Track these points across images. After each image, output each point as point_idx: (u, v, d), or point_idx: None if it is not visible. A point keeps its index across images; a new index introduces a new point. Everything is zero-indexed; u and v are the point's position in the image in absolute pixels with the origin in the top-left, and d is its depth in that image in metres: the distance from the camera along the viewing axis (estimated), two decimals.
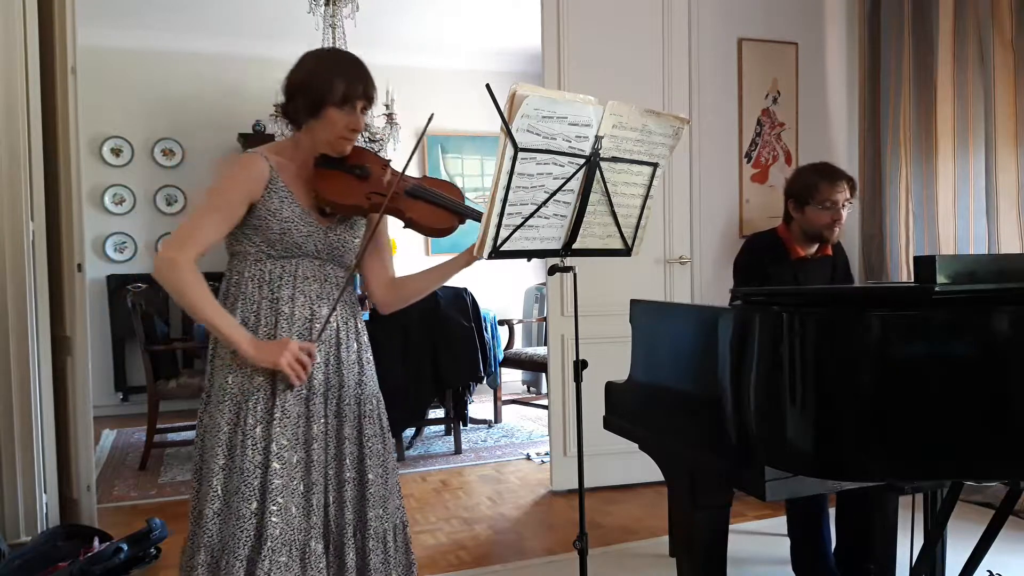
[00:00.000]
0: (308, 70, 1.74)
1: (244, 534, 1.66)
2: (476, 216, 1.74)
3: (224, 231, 1.72)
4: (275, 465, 1.68)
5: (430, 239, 6.47)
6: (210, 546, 1.68)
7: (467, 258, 1.78)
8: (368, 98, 1.74)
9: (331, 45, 4.84)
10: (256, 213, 1.72)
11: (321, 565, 1.71)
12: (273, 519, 1.66)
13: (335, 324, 1.81)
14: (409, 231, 1.85)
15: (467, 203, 1.87)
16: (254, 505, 1.67)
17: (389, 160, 1.88)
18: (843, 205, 2.50)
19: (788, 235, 2.61)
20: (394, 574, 1.83)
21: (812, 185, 2.51)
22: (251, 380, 1.71)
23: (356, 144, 1.81)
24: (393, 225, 1.93)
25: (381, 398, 1.91)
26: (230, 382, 1.72)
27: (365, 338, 1.90)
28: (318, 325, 1.76)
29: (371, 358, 1.90)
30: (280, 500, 1.68)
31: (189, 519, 1.77)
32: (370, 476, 1.81)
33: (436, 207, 1.81)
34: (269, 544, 1.65)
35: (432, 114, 1.89)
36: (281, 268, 1.75)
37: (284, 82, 1.77)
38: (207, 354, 1.81)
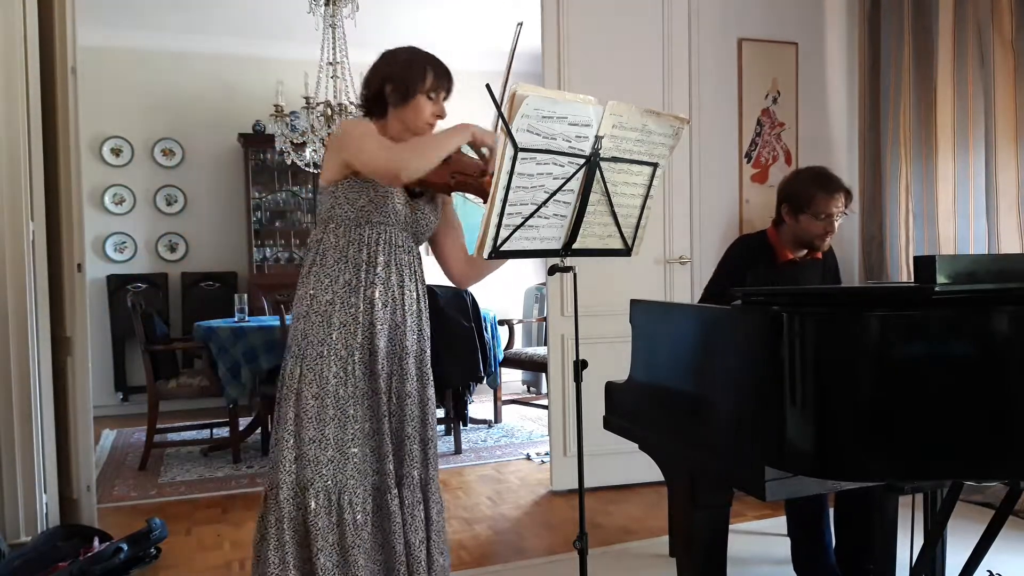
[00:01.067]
0: (401, 62, 1.93)
1: (359, 475, 1.89)
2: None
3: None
4: (370, 414, 1.92)
5: None
6: (327, 489, 1.86)
7: None
8: (450, 90, 1.98)
9: (331, 45, 4.85)
10: (363, 176, 1.88)
11: (417, 511, 1.95)
12: (374, 463, 1.91)
13: (416, 297, 2.00)
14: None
15: None
16: (358, 450, 1.89)
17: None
18: (837, 216, 2.49)
19: (777, 238, 2.59)
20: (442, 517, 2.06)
21: (809, 195, 2.48)
22: (354, 337, 1.89)
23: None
24: None
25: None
26: (334, 338, 1.88)
27: (427, 313, 2.08)
28: (407, 292, 1.97)
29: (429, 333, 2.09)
30: (364, 446, 1.90)
31: (282, 466, 1.87)
32: (430, 434, 2.02)
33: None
34: (366, 483, 1.90)
35: (521, 23, 2.01)
36: (378, 234, 1.92)
37: (369, 74, 1.97)
38: (297, 308, 1.92)
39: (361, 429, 1.89)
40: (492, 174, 1.81)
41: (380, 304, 1.91)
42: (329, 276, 1.90)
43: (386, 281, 1.92)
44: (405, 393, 1.96)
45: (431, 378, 2.06)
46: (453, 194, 2.04)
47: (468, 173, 1.89)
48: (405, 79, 1.91)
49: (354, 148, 1.82)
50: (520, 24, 2.02)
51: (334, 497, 1.86)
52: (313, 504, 1.84)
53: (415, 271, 2.00)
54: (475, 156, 1.93)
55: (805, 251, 2.60)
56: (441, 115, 1.97)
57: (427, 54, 1.97)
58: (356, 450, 1.88)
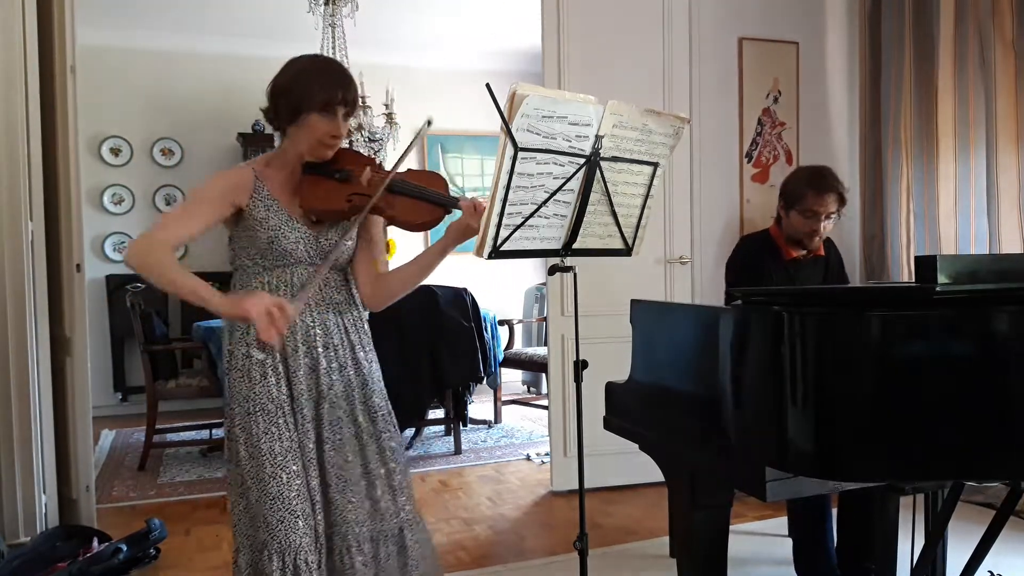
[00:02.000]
0: (289, 76, 1.74)
1: (311, 532, 1.75)
2: (456, 204, 1.75)
3: (196, 226, 1.71)
4: (308, 467, 1.77)
5: (429, 235, 6.47)
6: (280, 552, 1.73)
7: (442, 246, 1.78)
8: (349, 104, 1.74)
9: (331, 45, 4.84)
10: (245, 223, 1.76)
11: (356, 559, 1.79)
12: (318, 516, 1.77)
13: (342, 325, 1.84)
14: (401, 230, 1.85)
15: (453, 192, 1.86)
16: (308, 506, 1.75)
17: (374, 158, 1.88)
18: (826, 217, 2.49)
19: (780, 235, 2.61)
20: (422, 564, 1.88)
21: (800, 192, 2.51)
22: (277, 388, 1.76)
23: (343, 147, 1.82)
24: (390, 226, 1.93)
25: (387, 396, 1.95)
26: (257, 392, 1.76)
27: (369, 337, 1.94)
28: (319, 331, 1.79)
29: (375, 357, 1.94)
30: (318, 498, 1.77)
31: (236, 529, 1.79)
32: (399, 468, 1.87)
33: (418, 200, 1.77)
34: (320, 540, 1.77)
35: (430, 119, 1.87)
36: (277, 278, 1.78)
37: (268, 87, 1.78)
38: (221, 364, 1.85)
39: (304, 484, 1.74)
40: (373, 177, 1.74)
41: (291, 350, 1.76)
42: (240, 328, 1.77)
43: (292, 327, 1.73)
44: (323, 439, 1.80)
45: (382, 408, 1.88)
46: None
47: (366, 193, 1.74)
48: (291, 96, 1.72)
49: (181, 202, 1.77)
50: (430, 120, 1.89)
51: (288, 559, 1.72)
52: (267, 567, 1.71)
53: (336, 301, 1.84)
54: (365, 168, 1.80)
55: (805, 250, 2.60)
56: (337, 134, 1.74)
57: (325, 64, 1.78)
58: (304, 505, 1.73)
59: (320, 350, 1.80)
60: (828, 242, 2.70)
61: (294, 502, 1.72)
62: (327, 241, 1.80)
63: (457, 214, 1.75)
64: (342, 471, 1.80)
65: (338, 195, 1.75)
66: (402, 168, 1.81)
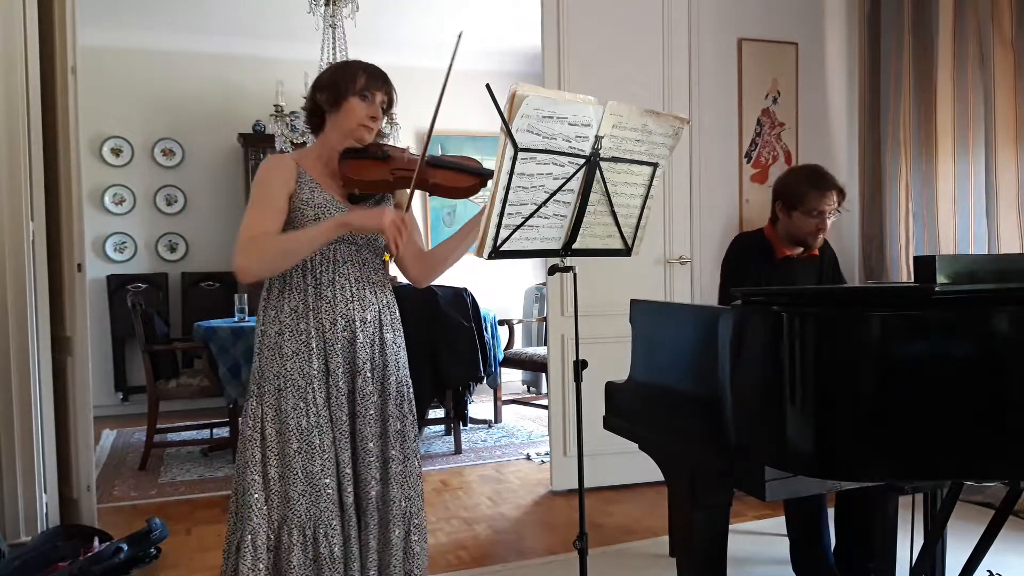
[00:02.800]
0: (334, 68, 1.91)
1: (334, 506, 1.81)
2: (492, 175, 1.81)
3: (276, 222, 1.81)
4: (340, 439, 1.84)
5: (430, 236, 6.48)
6: (301, 525, 1.79)
7: (476, 220, 1.85)
8: (387, 93, 1.90)
9: (331, 45, 4.84)
10: (292, 205, 1.84)
11: (365, 535, 1.87)
12: (348, 489, 1.83)
13: (377, 308, 1.91)
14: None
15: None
16: (331, 480, 1.81)
17: (407, 147, 2.02)
18: (830, 214, 2.49)
19: (774, 235, 2.61)
20: (412, 560, 1.93)
21: (801, 192, 2.51)
22: (310, 365, 1.82)
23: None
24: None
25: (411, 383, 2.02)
26: (288, 368, 1.82)
27: (400, 324, 2.00)
28: (357, 305, 1.87)
29: (404, 344, 2.01)
30: (348, 471, 1.83)
31: (254, 508, 1.79)
32: (410, 456, 1.94)
33: (457, 172, 1.90)
34: (347, 512, 1.83)
35: (461, 32, 1.93)
36: (320, 254, 1.85)
37: (308, 91, 1.94)
38: (254, 347, 1.89)
39: (331, 458, 1.81)
40: (415, 162, 1.84)
41: (329, 325, 1.84)
42: (275, 307, 1.86)
43: (332, 299, 1.84)
44: (356, 413, 1.86)
45: (399, 394, 1.94)
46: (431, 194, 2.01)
47: (408, 168, 1.87)
48: (335, 82, 1.87)
49: (248, 206, 1.85)
50: (461, 33, 1.95)
51: (308, 532, 1.79)
52: (286, 541, 1.77)
53: (372, 281, 1.92)
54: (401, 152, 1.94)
55: (801, 249, 2.60)
56: (376, 116, 1.88)
57: (364, 62, 1.92)
58: (328, 480, 1.80)
59: (358, 324, 1.87)
60: (823, 241, 2.70)
61: (317, 476, 1.80)
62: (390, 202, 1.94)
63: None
64: (368, 444, 1.87)
65: (381, 169, 1.86)
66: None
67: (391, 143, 2.12)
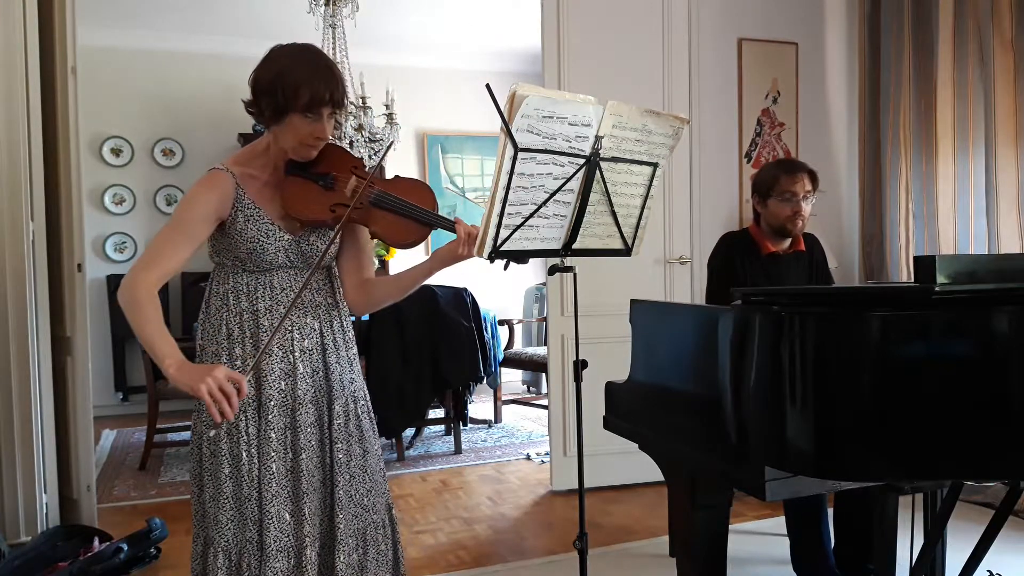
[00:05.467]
0: (272, 74, 1.64)
1: (255, 538, 1.70)
2: (446, 225, 1.71)
3: (186, 253, 1.67)
4: (265, 475, 1.71)
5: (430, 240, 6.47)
6: (227, 550, 1.71)
7: (427, 268, 1.76)
8: (335, 103, 1.66)
9: (331, 45, 4.84)
10: (226, 232, 1.71)
11: (315, 571, 1.73)
12: (270, 528, 1.70)
13: (318, 329, 1.78)
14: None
15: (440, 207, 1.78)
16: (257, 512, 1.70)
17: (360, 160, 1.82)
18: (804, 197, 2.51)
19: (759, 232, 2.63)
20: (387, 568, 1.83)
21: (772, 178, 2.54)
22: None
23: (329, 140, 1.76)
24: None
25: (367, 393, 1.90)
26: None
27: (351, 334, 1.88)
28: (297, 334, 1.75)
29: (356, 354, 1.89)
30: (272, 509, 1.70)
31: (195, 520, 1.78)
32: (356, 474, 1.81)
33: (402, 218, 1.72)
34: (266, 551, 1.69)
35: (392, 141, 1.83)
36: (256, 280, 1.73)
37: (251, 78, 1.68)
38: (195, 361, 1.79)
39: (256, 491, 1.70)
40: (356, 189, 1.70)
41: (264, 354, 1.70)
42: (213, 325, 1.75)
43: (269, 328, 1.70)
44: (299, 447, 1.73)
45: (345, 413, 1.80)
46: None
47: (347, 203, 1.70)
48: (275, 94, 1.62)
49: (167, 223, 1.71)
50: (392, 142, 1.82)
51: (234, 558, 1.71)
52: (212, 563, 1.70)
53: (316, 304, 1.78)
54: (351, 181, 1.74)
55: (788, 241, 2.61)
56: (321, 136, 1.67)
57: (307, 60, 1.65)
58: (255, 511, 1.70)
59: (297, 355, 1.74)
60: (811, 238, 2.70)
61: (244, 504, 1.70)
62: (308, 246, 1.75)
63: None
64: (312, 478, 1.75)
65: (322, 204, 1.70)
66: (386, 175, 1.75)
67: (381, 140, 1.96)
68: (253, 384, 1.71)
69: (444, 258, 1.74)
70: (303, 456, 1.73)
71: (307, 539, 1.72)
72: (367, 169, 1.78)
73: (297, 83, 1.61)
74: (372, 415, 1.89)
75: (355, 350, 1.89)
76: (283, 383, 1.73)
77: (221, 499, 1.70)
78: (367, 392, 1.90)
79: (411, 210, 1.72)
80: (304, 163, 1.72)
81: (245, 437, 1.70)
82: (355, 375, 1.85)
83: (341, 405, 1.80)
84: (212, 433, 1.67)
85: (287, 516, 1.72)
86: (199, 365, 1.65)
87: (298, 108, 1.62)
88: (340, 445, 1.78)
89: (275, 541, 1.70)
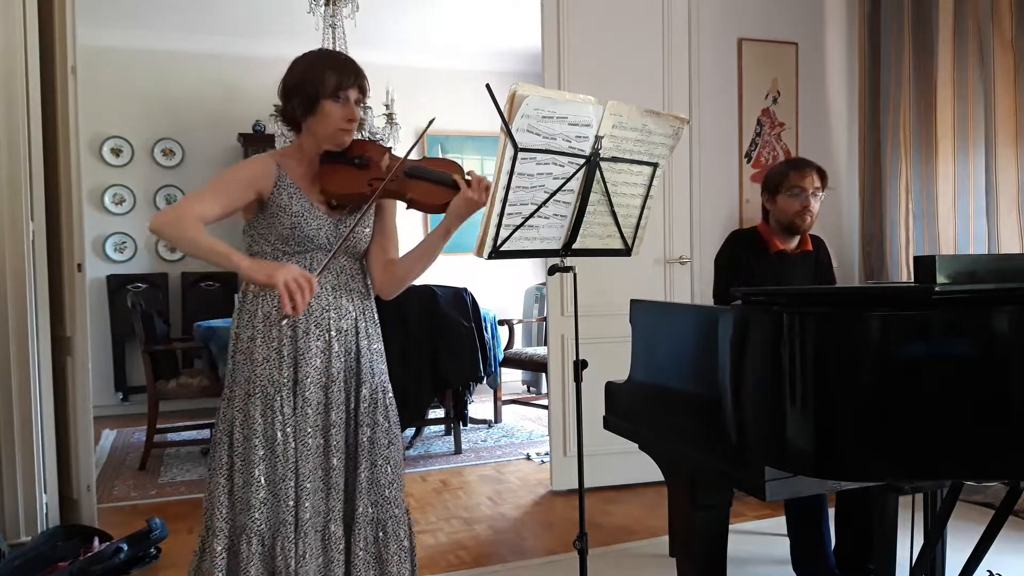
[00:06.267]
0: (300, 70, 1.79)
1: (291, 518, 1.75)
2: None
3: (218, 208, 1.73)
4: (302, 451, 1.78)
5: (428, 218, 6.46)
6: (261, 534, 1.75)
7: (445, 226, 1.80)
8: (361, 88, 1.79)
9: (331, 45, 4.84)
10: (268, 210, 1.79)
11: (340, 547, 1.80)
12: (305, 503, 1.76)
13: (353, 313, 1.86)
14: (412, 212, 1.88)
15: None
16: (293, 491, 1.76)
17: (390, 147, 1.93)
18: (813, 193, 2.53)
19: (767, 230, 2.64)
20: (406, 560, 1.88)
21: (781, 174, 2.58)
22: (280, 372, 1.78)
23: (356, 138, 1.86)
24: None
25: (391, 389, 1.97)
26: (258, 373, 1.79)
27: (379, 328, 1.96)
28: (334, 314, 1.82)
29: (383, 348, 1.96)
30: (308, 485, 1.77)
31: (205, 516, 1.79)
32: (379, 462, 1.86)
33: (435, 184, 1.81)
34: (302, 527, 1.76)
35: (433, 119, 1.91)
36: (296, 263, 1.78)
37: (279, 88, 1.83)
38: (228, 350, 1.86)
39: (292, 470, 1.76)
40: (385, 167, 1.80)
41: (302, 333, 1.79)
42: (248, 312, 1.82)
43: (307, 309, 1.75)
44: (330, 423, 1.81)
45: (380, 400, 1.88)
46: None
47: (383, 176, 1.79)
48: (305, 87, 1.76)
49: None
50: (433, 119, 1.91)
51: (268, 542, 1.75)
52: (245, 551, 1.73)
53: (351, 288, 1.87)
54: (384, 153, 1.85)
55: (796, 240, 2.61)
56: (352, 118, 1.78)
57: (329, 54, 1.83)
58: (291, 491, 1.75)
59: (333, 333, 1.82)
60: (818, 240, 2.71)
61: (279, 485, 1.75)
62: (346, 228, 1.84)
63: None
64: (342, 454, 1.82)
65: (359, 180, 1.80)
66: (416, 157, 1.85)
67: (381, 140, 2.07)
68: (290, 365, 1.78)
69: (460, 211, 1.77)
70: (333, 431, 1.81)
71: (332, 514, 1.80)
72: (408, 149, 1.87)
73: (322, 72, 1.76)
74: (396, 410, 1.95)
75: (382, 344, 1.96)
76: (318, 360, 1.81)
77: (253, 483, 1.75)
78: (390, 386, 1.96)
79: (440, 176, 1.82)
80: (339, 151, 1.82)
81: (280, 417, 1.77)
82: (383, 366, 1.93)
83: (369, 390, 1.87)
84: (284, 322, 1.74)
85: (320, 491, 1.79)
86: (271, 261, 1.74)
87: (327, 93, 1.75)
88: (364, 429, 1.85)
89: (311, 518, 1.77)
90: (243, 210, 1.82)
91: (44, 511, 2.98)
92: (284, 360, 1.78)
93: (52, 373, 3.05)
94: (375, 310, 1.95)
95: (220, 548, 1.75)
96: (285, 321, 1.74)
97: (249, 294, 1.83)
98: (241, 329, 1.83)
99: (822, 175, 2.58)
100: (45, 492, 3.00)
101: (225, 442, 1.79)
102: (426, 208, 1.85)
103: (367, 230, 1.89)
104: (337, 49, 4.82)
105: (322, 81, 1.75)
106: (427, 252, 1.88)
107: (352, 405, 1.85)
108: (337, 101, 1.76)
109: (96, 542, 2.87)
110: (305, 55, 1.83)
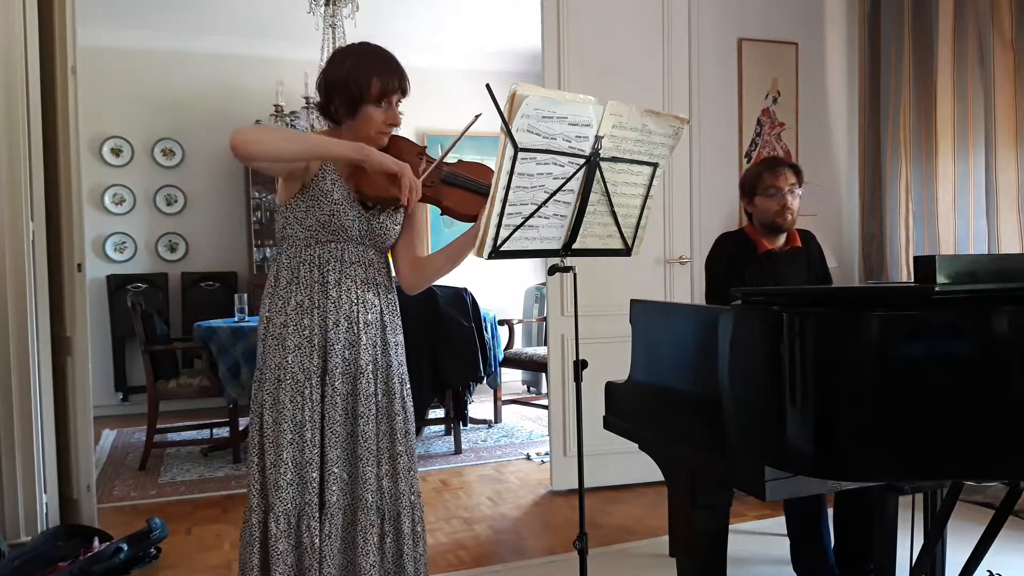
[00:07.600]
0: (344, 69, 1.81)
1: (316, 499, 1.82)
2: None
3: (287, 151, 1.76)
4: (330, 438, 1.84)
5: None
6: (287, 513, 1.81)
7: (474, 232, 1.82)
8: (403, 90, 1.84)
9: (331, 45, 4.85)
10: (308, 192, 1.82)
11: (364, 532, 1.85)
12: (332, 487, 1.83)
13: (379, 306, 1.90)
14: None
15: None
16: (319, 475, 1.82)
17: (425, 147, 1.94)
18: (789, 191, 2.56)
19: (753, 230, 2.66)
20: (420, 544, 1.95)
21: (756, 176, 2.61)
22: (310, 361, 1.83)
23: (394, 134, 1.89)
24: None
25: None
26: (289, 361, 1.83)
27: (400, 322, 1.99)
28: (361, 308, 1.87)
29: (403, 342, 1.99)
30: (335, 470, 1.84)
31: (249, 495, 1.85)
32: (399, 450, 1.92)
33: (471, 193, 1.84)
34: (328, 509, 1.82)
35: (479, 114, 1.91)
36: (328, 252, 1.84)
37: (320, 80, 1.85)
38: (259, 334, 1.91)
39: (318, 455, 1.83)
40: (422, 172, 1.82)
41: (332, 324, 1.84)
42: (282, 298, 1.85)
43: (337, 300, 1.84)
44: (358, 413, 1.86)
45: (400, 392, 1.94)
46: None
47: (421, 182, 1.80)
48: (349, 90, 1.79)
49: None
50: (479, 115, 1.92)
51: (293, 521, 1.81)
52: (274, 529, 1.79)
53: (377, 283, 1.91)
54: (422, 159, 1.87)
55: (783, 238, 2.63)
56: (394, 122, 1.84)
57: (375, 55, 1.83)
58: (316, 475, 1.82)
59: (360, 326, 1.86)
60: (807, 234, 2.72)
61: (305, 468, 1.81)
62: (379, 225, 1.88)
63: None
64: (369, 443, 1.87)
65: (394, 184, 1.79)
66: (451, 159, 1.87)
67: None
68: (320, 355, 1.84)
69: None
70: (361, 422, 1.86)
71: (360, 502, 1.85)
72: (444, 151, 1.87)
73: (368, 77, 1.78)
74: (412, 401, 2.00)
75: (402, 336, 1.99)
76: (347, 352, 1.86)
77: (281, 465, 1.81)
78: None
79: (476, 185, 1.83)
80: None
81: (309, 404, 1.82)
82: (403, 360, 1.97)
83: (396, 383, 1.92)
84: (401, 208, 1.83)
85: (346, 477, 1.85)
86: (391, 158, 1.76)
87: (371, 99, 1.79)
88: (385, 419, 1.91)
89: (337, 500, 1.83)
90: (282, 188, 1.85)
91: (44, 511, 2.98)
92: (315, 349, 1.83)
93: (52, 373, 3.04)
94: (396, 304, 1.99)
95: (256, 521, 1.83)
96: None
97: (282, 280, 1.86)
98: (273, 314, 1.86)
99: (796, 171, 2.61)
100: (45, 492, 3.00)
101: (256, 423, 1.86)
102: (459, 216, 1.86)
103: (396, 227, 1.94)
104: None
105: (368, 87, 1.78)
106: (458, 253, 1.92)
107: (381, 395, 1.90)
108: (379, 107, 1.80)
109: (96, 542, 2.87)
110: (349, 50, 1.85)
